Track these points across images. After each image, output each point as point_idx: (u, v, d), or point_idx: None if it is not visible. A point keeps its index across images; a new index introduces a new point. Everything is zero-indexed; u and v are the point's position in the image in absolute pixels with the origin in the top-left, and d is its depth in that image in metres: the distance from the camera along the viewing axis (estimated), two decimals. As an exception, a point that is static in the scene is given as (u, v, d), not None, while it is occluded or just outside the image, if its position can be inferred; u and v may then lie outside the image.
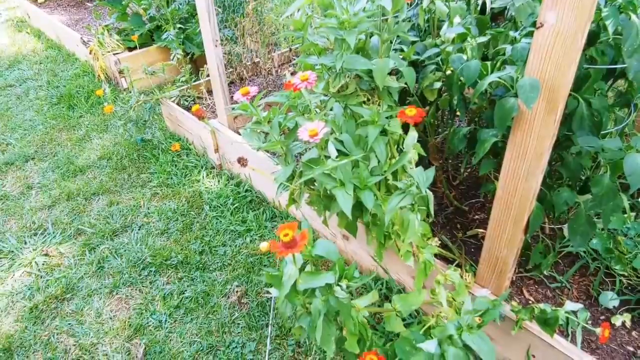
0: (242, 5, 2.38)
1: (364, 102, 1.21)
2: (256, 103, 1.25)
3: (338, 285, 0.98)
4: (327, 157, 1.08)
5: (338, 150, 1.10)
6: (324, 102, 1.24)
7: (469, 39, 1.19)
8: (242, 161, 1.30)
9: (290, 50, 2.46)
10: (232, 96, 2.35)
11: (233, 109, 1.29)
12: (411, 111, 1.01)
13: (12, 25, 4.59)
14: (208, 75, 2.76)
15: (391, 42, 1.15)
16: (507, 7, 1.27)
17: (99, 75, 3.25)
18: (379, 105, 1.22)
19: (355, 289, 1.68)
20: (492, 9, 1.38)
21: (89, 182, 2.39)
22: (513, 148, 1.10)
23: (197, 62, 2.97)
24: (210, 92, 2.72)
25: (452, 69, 1.19)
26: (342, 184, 1.07)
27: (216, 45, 2.01)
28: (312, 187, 1.25)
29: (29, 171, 2.52)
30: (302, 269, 0.97)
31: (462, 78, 1.12)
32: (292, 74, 1.27)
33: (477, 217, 1.79)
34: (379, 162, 1.18)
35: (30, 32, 4.36)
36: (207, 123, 1.26)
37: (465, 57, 1.19)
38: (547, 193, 1.23)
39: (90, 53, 3.27)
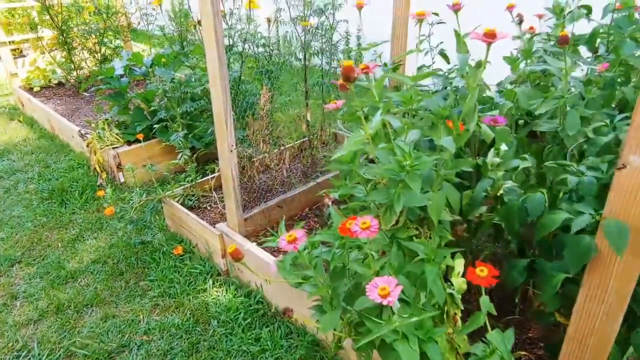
0: (253, 105, 2.36)
1: (415, 236, 1.11)
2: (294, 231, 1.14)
3: None
4: (386, 306, 0.96)
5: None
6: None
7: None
8: (287, 312, 1.17)
9: (301, 150, 2.43)
10: (246, 205, 2.24)
11: (280, 259, 1.17)
12: (482, 271, 0.91)
13: (4, 113, 4.52)
14: (212, 172, 2.68)
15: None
16: (557, 131, 1.23)
17: (94, 169, 3.13)
18: (430, 237, 1.12)
19: None
20: (531, 129, 1.35)
21: (81, 290, 2.18)
22: (589, 289, 1.00)
23: (199, 157, 2.90)
24: (216, 189, 2.63)
25: (504, 196, 1.12)
26: (405, 336, 0.94)
27: (231, 151, 1.94)
28: (360, 331, 1.11)
29: (14, 277, 2.30)
30: None
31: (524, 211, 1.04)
32: (333, 202, 1.18)
33: (517, 337, 1.65)
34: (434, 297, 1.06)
35: (22, 120, 4.29)
36: (244, 264, 1.13)
37: (512, 183, 1.13)
38: (622, 331, 1.11)
39: (87, 146, 3.19)
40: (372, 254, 1.00)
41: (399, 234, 1.10)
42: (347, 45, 3.22)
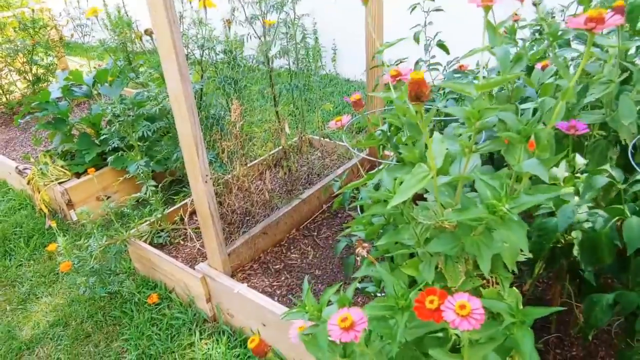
0: (219, 120, 2.05)
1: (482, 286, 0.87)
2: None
3: None
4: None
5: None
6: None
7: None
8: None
9: (275, 163, 2.15)
10: (226, 237, 1.95)
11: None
12: None
13: None
14: (181, 200, 2.36)
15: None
16: None
17: (40, 209, 2.72)
18: (496, 283, 0.89)
19: None
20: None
21: (41, 364, 1.83)
22: None
23: (164, 186, 2.56)
24: (191, 215, 2.31)
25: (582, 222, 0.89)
26: None
27: (206, 181, 1.63)
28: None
29: (-46, 358, 1.91)
30: None
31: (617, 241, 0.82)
32: (366, 250, 0.91)
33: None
34: None
35: (-52, 158, 3.75)
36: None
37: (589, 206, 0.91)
38: None
39: (28, 184, 2.77)
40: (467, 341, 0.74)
41: (463, 287, 0.86)
42: (316, 42, 2.96)
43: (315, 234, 2.24)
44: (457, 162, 0.90)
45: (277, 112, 2.41)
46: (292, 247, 2.16)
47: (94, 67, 3.65)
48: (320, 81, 4.26)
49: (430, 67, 1.67)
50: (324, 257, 2.08)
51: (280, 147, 2.43)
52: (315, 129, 2.91)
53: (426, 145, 0.84)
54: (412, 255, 1.00)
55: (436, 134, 0.83)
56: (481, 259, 0.74)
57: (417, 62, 1.68)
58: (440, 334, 0.86)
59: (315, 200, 2.34)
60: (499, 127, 0.90)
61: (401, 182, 0.81)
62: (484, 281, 0.89)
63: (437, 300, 0.68)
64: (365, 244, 0.92)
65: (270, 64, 2.32)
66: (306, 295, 0.92)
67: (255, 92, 2.38)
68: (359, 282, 1.68)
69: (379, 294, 1.27)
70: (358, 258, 0.93)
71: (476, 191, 0.84)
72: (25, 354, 1.88)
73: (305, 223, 2.31)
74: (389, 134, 1.07)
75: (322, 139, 2.77)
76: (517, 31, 1.96)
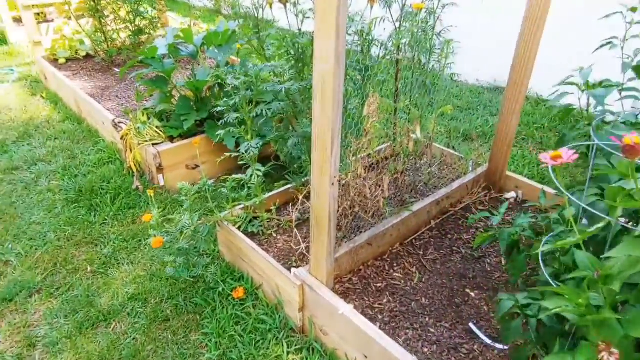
0: (358, 122, 1.78)
1: None
2: None
3: None
4: None
5: None
6: None
7: None
8: None
9: (379, 161, 1.88)
10: (337, 244, 1.72)
11: None
12: None
13: (25, 87, 4.03)
14: (279, 187, 2.17)
15: None
16: None
17: (129, 167, 2.63)
18: None
19: None
20: None
21: (116, 340, 1.70)
22: None
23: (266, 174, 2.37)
24: (280, 208, 2.11)
25: None
26: None
27: (333, 183, 1.40)
28: None
29: (33, 314, 1.83)
30: None
31: None
32: (615, 358, 0.65)
33: None
34: None
35: (45, 96, 3.79)
36: None
37: None
38: None
39: (121, 139, 2.68)
40: None
41: None
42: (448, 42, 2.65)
43: (422, 253, 1.97)
44: None
45: (395, 108, 2.14)
46: (394, 264, 1.91)
47: (190, 26, 3.52)
48: (446, 80, 3.93)
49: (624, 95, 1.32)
50: (431, 283, 1.82)
51: (386, 144, 2.17)
52: (431, 132, 2.61)
53: None
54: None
55: None
56: None
57: (600, 83, 1.33)
58: None
59: (424, 214, 2.07)
60: None
61: None
62: None
63: None
64: (614, 351, 0.64)
65: (398, 53, 2.05)
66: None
67: (377, 83, 2.11)
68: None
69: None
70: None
71: None
72: (102, 326, 1.77)
73: (411, 238, 2.04)
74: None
75: (434, 145, 2.48)
76: None
